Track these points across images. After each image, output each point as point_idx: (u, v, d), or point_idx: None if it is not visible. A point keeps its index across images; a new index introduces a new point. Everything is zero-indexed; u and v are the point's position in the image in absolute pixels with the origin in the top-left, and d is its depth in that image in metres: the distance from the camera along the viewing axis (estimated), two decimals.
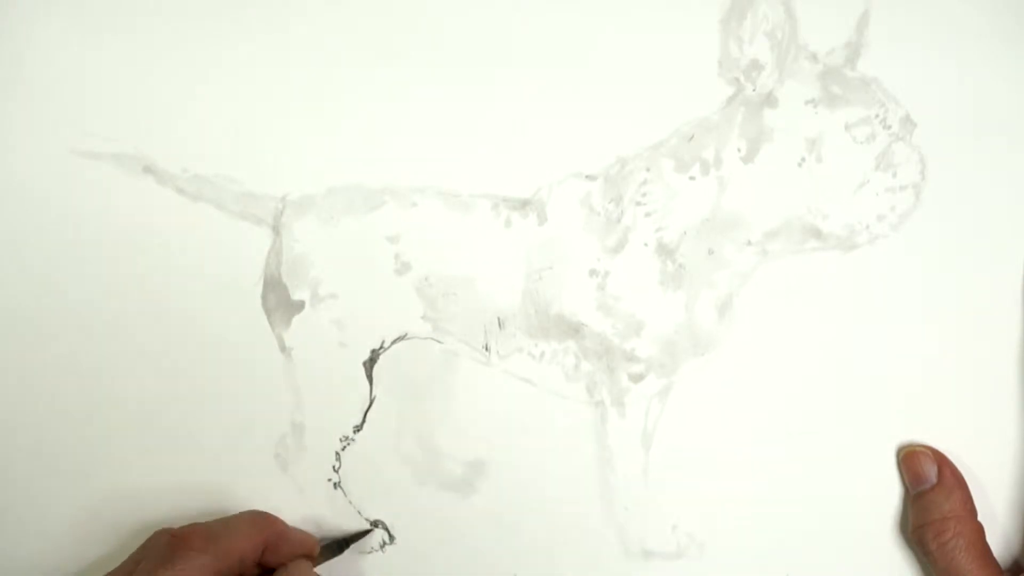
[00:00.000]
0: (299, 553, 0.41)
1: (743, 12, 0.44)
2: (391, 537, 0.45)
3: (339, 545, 0.43)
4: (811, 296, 0.44)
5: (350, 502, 0.44)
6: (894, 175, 0.44)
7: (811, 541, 0.44)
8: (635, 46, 0.44)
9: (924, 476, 0.43)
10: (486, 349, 0.44)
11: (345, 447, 0.44)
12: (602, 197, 0.44)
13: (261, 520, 0.41)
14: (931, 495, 0.42)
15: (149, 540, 0.39)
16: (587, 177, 0.44)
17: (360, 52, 0.44)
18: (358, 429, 0.44)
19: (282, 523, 0.42)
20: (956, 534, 0.41)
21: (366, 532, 0.44)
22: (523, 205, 0.44)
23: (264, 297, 0.44)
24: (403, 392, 0.45)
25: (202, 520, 0.41)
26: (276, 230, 0.44)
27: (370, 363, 0.44)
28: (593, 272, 0.44)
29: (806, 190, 0.44)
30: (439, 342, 0.44)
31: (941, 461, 0.43)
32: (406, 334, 0.44)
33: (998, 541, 0.43)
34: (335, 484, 0.44)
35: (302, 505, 0.44)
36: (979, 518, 0.42)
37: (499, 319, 0.44)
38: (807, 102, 0.44)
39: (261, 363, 0.44)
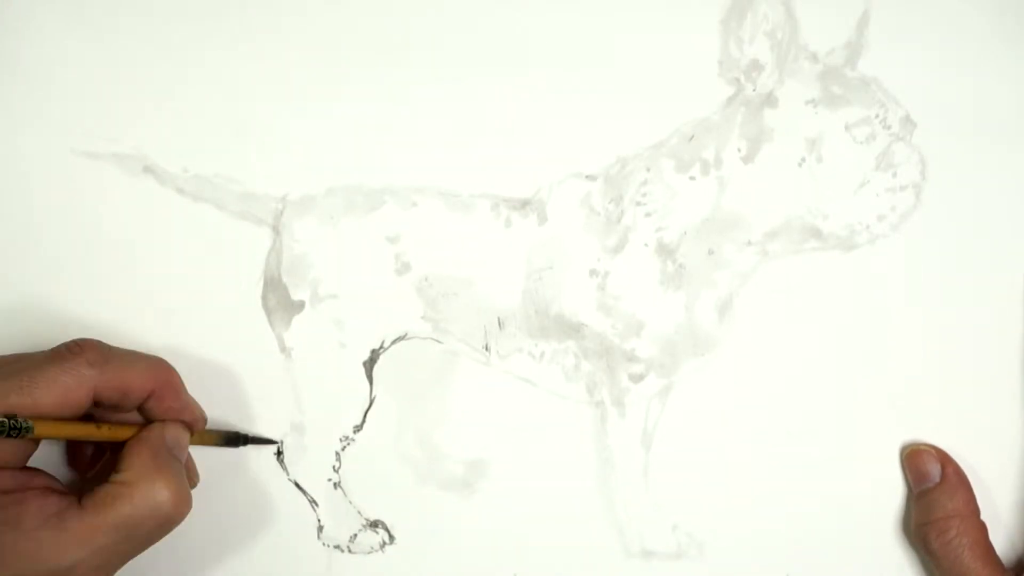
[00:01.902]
0: (183, 417, 0.40)
1: (743, 12, 0.44)
2: (391, 537, 0.45)
3: (238, 438, 0.43)
4: (811, 296, 0.44)
5: (350, 502, 0.44)
6: (894, 175, 0.44)
7: (811, 541, 0.44)
8: (635, 46, 0.44)
9: (927, 474, 0.43)
10: (486, 349, 0.44)
11: (345, 447, 0.44)
12: (602, 197, 0.44)
13: (160, 367, 0.40)
14: (934, 494, 0.42)
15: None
16: (587, 177, 0.44)
17: (360, 52, 0.44)
18: (358, 429, 0.44)
19: (179, 381, 0.40)
20: (959, 533, 0.41)
21: (269, 441, 0.44)
22: (523, 205, 0.44)
23: (264, 297, 0.44)
24: (403, 392, 0.45)
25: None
26: (276, 230, 0.44)
27: (370, 363, 0.44)
28: (593, 272, 0.44)
29: (806, 190, 0.44)
30: (439, 342, 0.44)
31: (944, 460, 0.43)
32: (406, 334, 0.44)
33: (1001, 540, 0.43)
34: (335, 484, 0.44)
35: (303, 505, 0.44)
36: (982, 517, 0.42)
37: (499, 319, 0.44)
38: (807, 102, 0.44)
39: (261, 363, 0.44)
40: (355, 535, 0.44)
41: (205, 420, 0.42)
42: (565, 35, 0.44)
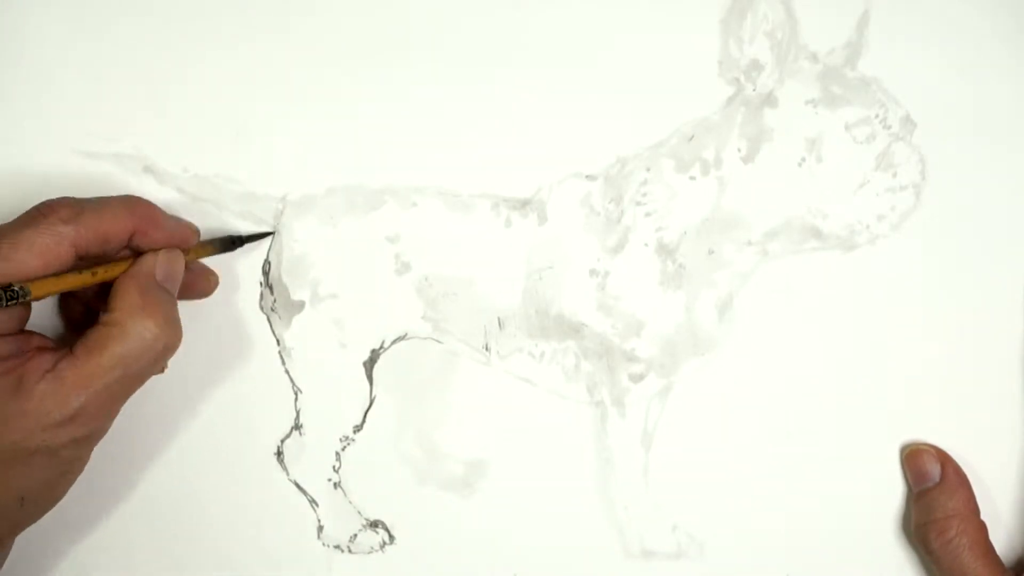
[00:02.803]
0: (174, 242, 0.40)
1: (743, 12, 0.44)
2: (391, 537, 0.45)
3: (232, 241, 0.43)
4: (811, 296, 0.44)
5: (350, 502, 0.44)
6: (894, 175, 0.44)
7: (811, 541, 0.44)
8: (635, 46, 0.44)
9: (927, 474, 0.43)
10: (486, 349, 0.44)
11: (345, 447, 0.44)
12: (602, 197, 0.44)
13: (134, 203, 0.39)
14: (934, 493, 0.42)
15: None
16: (587, 177, 0.44)
17: (360, 52, 0.44)
18: (358, 429, 0.44)
19: (157, 210, 0.40)
20: (959, 532, 0.41)
21: (265, 234, 0.43)
22: (523, 205, 0.44)
23: (264, 297, 0.44)
24: (403, 392, 0.45)
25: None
26: (276, 230, 0.44)
27: (370, 363, 0.44)
28: (593, 272, 0.44)
29: (806, 190, 0.44)
30: (439, 342, 0.44)
31: (944, 460, 0.43)
32: (406, 334, 0.44)
33: (1001, 540, 0.43)
34: (335, 484, 0.44)
35: (303, 505, 0.44)
36: (982, 517, 0.42)
37: (499, 319, 0.44)
38: (807, 102, 0.44)
39: (261, 363, 0.44)
40: (355, 535, 0.45)
41: (197, 234, 0.41)
42: (565, 35, 0.44)
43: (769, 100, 0.44)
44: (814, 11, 0.44)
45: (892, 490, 0.44)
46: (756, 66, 0.44)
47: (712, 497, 0.44)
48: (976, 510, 0.42)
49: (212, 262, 0.43)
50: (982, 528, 0.42)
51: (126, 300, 0.37)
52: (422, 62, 0.44)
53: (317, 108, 0.44)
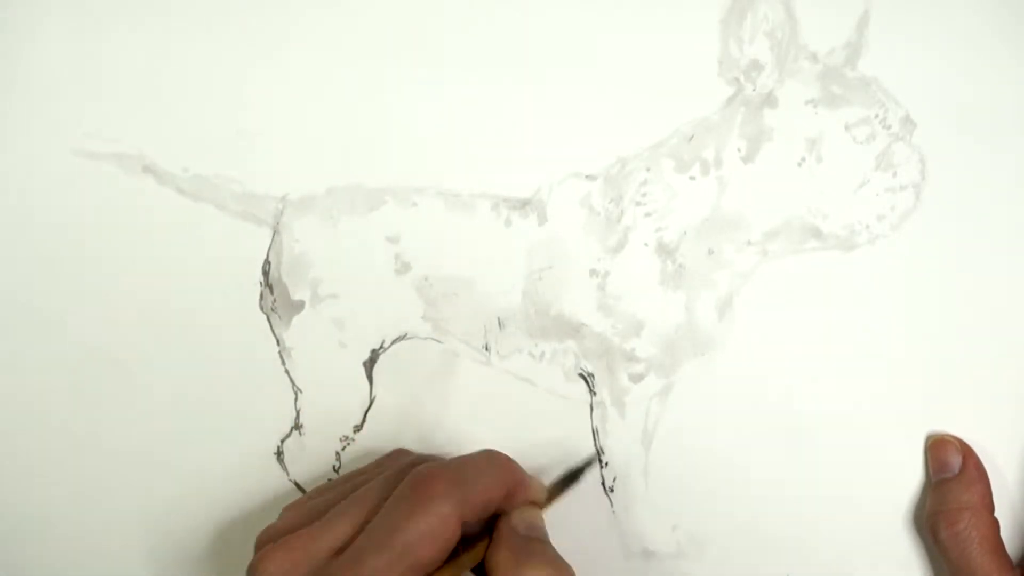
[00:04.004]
0: (536, 499, 0.39)
1: (743, 12, 0.44)
2: None
3: (565, 480, 0.42)
4: (811, 296, 0.44)
5: None
6: (894, 175, 0.44)
7: (811, 541, 0.44)
8: (635, 46, 0.44)
9: (947, 464, 0.43)
10: (486, 349, 0.44)
11: (345, 447, 0.44)
12: (602, 197, 0.44)
13: (504, 464, 0.38)
14: (950, 484, 0.42)
15: (390, 460, 0.39)
16: (587, 177, 0.44)
17: (360, 52, 0.44)
18: (358, 429, 0.44)
19: (520, 468, 0.39)
20: (969, 525, 0.41)
21: (590, 461, 0.43)
22: (523, 205, 0.44)
23: (263, 297, 0.44)
24: (403, 392, 0.45)
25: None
26: (276, 230, 0.44)
27: (370, 363, 0.44)
28: (593, 272, 0.44)
29: (806, 190, 0.44)
30: (439, 342, 0.44)
31: (967, 452, 0.43)
32: (406, 334, 0.44)
33: (1016, 537, 0.43)
34: None
35: None
36: (998, 514, 0.42)
37: (499, 319, 0.44)
38: (807, 102, 0.44)
39: (261, 363, 0.44)
40: None
41: (545, 488, 0.40)
42: (565, 35, 0.44)
43: (769, 100, 0.44)
44: (814, 11, 0.44)
45: (893, 490, 0.44)
46: (756, 66, 0.44)
47: (712, 497, 0.44)
48: (990, 506, 0.42)
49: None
50: (993, 524, 0.42)
51: (503, 566, 0.36)
52: (422, 62, 0.44)
53: (317, 108, 0.44)
